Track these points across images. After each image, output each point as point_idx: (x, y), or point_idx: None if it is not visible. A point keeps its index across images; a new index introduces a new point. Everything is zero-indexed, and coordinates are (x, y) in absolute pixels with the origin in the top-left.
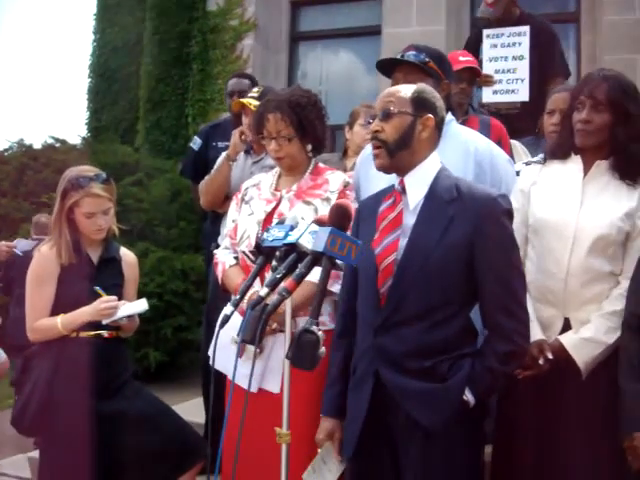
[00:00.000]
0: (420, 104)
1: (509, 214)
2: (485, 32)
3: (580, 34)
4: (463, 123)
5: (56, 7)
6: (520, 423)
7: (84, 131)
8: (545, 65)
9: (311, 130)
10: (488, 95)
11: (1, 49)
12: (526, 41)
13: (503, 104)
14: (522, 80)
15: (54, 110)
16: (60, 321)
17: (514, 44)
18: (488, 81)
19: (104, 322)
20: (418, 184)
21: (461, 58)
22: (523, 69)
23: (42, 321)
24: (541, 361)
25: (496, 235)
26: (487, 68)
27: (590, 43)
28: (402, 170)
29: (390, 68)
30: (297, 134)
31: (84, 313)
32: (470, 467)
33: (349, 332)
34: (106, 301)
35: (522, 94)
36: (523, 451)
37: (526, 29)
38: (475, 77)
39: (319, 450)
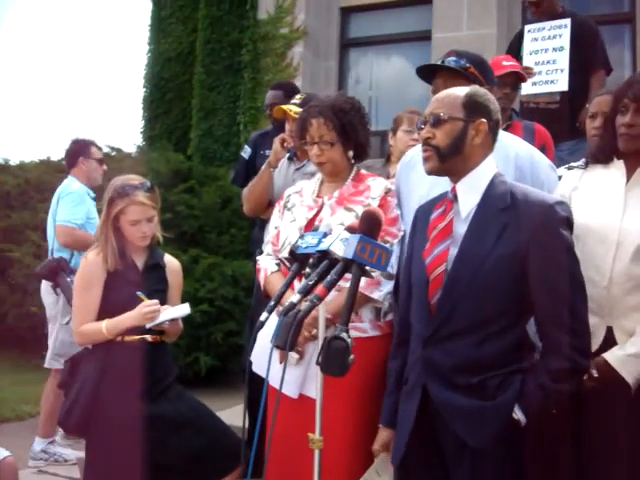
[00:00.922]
0: (472, 108)
1: (567, 223)
2: (527, 27)
3: (635, 35)
4: (507, 129)
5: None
6: (559, 443)
7: (139, 140)
8: (587, 59)
9: (353, 136)
10: (527, 87)
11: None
12: (567, 33)
13: (542, 96)
14: (562, 70)
15: (111, 119)
16: (105, 325)
17: (555, 36)
18: (528, 73)
19: (147, 326)
20: (471, 191)
21: (505, 63)
22: (563, 59)
23: (88, 325)
24: (585, 377)
25: (552, 245)
26: (527, 61)
27: None
28: (454, 175)
29: (431, 74)
30: (339, 139)
31: (128, 318)
32: None
33: (405, 342)
34: (148, 305)
35: (561, 84)
36: (566, 469)
37: (567, 22)
38: (519, 82)
39: (375, 460)
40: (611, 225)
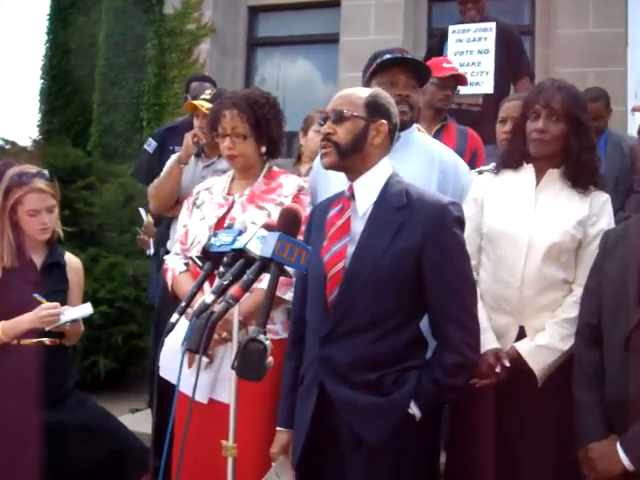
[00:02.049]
0: (374, 109)
1: (460, 222)
2: (451, 28)
3: (534, 47)
4: (441, 129)
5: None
6: (474, 430)
7: (35, 133)
8: (511, 65)
9: (267, 130)
10: None
11: None
12: (492, 36)
13: (466, 97)
14: (487, 73)
15: (5, 111)
16: (1, 327)
17: (480, 39)
18: None
19: (47, 328)
20: (367, 190)
21: (445, 65)
22: (488, 62)
23: None
24: (498, 369)
25: (445, 243)
26: (452, 62)
27: (544, 56)
28: (352, 173)
29: (383, 69)
30: (253, 132)
31: (25, 320)
32: (418, 477)
33: (301, 341)
34: (47, 308)
35: (486, 86)
36: (477, 459)
37: (492, 25)
38: (458, 84)
39: (272, 464)
40: (522, 228)
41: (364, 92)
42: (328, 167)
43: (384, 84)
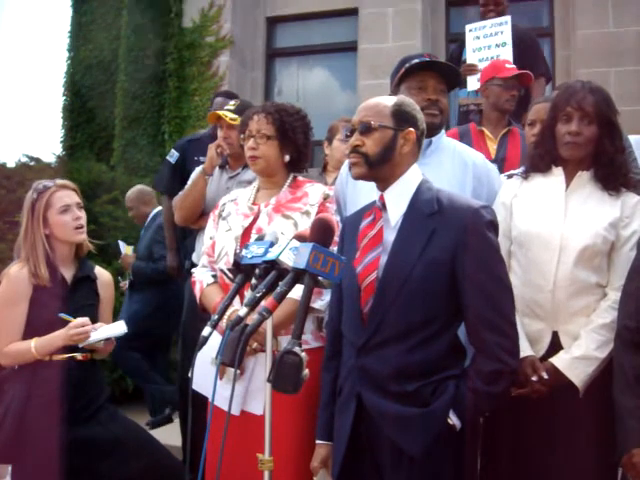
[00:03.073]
0: (401, 117)
1: (493, 225)
2: (468, 27)
3: (554, 49)
4: (507, 134)
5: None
6: (512, 438)
7: (59, 149)
8: (528, 66)
9: (292, 136)
10: (473, 83)
11: None
12: (508, 29)
13: (470, 98)
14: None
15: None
16: (34, 345)
17: (497, 33)
18: (472, 70)
19: (80, 345)
20: (398, 199)
21: (507, 65)
22: (507, 54)
23: (14, 345)
24: (534, 378)
25: (479, 247)
26: (471, 58)
27: (564, 57)
28: (382, 182)
29: (413, 74)
30: (277, 135)
31: (58, 337)
32: None
33: (338, 353)
34: (75, 326)
35: None
36: (514, 467)
37: (507, 19)
38: (522, 85)
39: (314, 478)
40: (553, 231)
41: (389, 101)
42: (358, 178)
43: (413, 89)
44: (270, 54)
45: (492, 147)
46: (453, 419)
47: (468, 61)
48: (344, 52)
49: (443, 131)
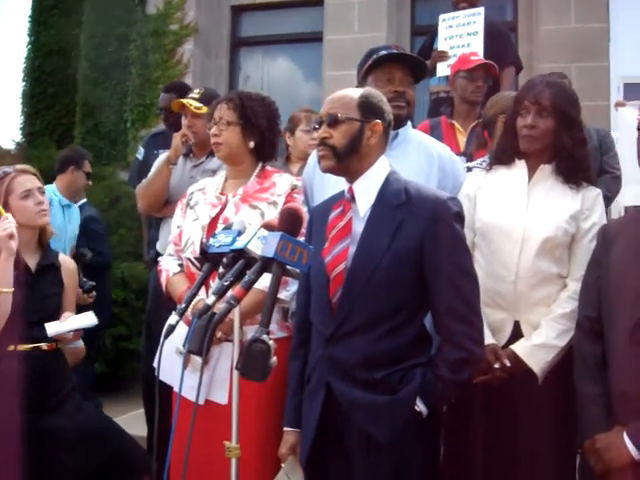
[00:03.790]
0: (368, 109)
1: (459, 217)
2: (441, 17)
3: (517, 43)
4: (476, 126)
5: None
6: (471, 426)
7: (18, 136)
8: (497, 55)
9: (254, 121)
10: (443, 69)
11: None
12: (480, 19)
13: (440, 85)
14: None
15: None
16: None
17: (469, 23)
18: (442, 56)
19: (49, 334)
20: (367, 191)
21: (472, 58)
22: (477, 43)
23: None
24: (497, 365)
25: (446, 239)
26: (442, 46)
27: (527, 52)
28: (350, 174)
29: (379, 65)
30: (238, 121)
31: None
32: (427, 476)
33: (306, 341)
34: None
35: None
36: (473, 454)
37: (481, 10)
38: (488, 75)
39: (282, 465)
40: (516, 223)
41: (356, 93)
42: (326, 171)
43: (380, 80)
44: (235, 43)
45: (462, 140)
46: (420, 406)
47: (440, 48)
48: (309, 42)
49: (409, 123)
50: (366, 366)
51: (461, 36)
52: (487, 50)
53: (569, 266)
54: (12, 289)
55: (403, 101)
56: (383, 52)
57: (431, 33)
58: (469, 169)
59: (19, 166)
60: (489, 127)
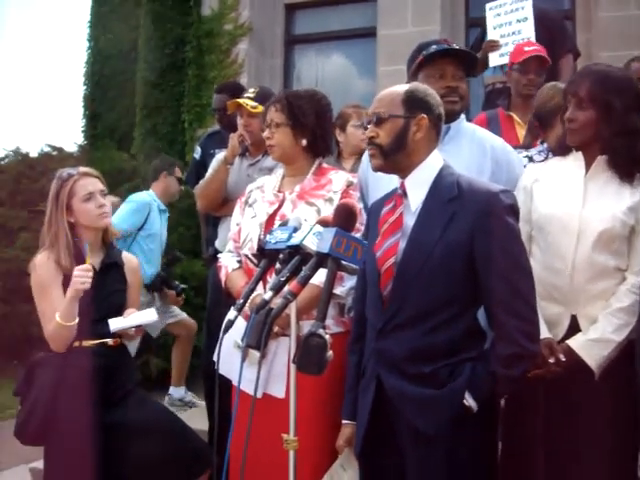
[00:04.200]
0: (412, 104)
1: (512, 209)
2: (487, 6)
3: (575, 32)
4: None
5: (50, 14)
6: (529, 424)
7: (80, 139)
8: (553, 42)
9: (304, 121)
10: (495, 59)
11: None
12: (529, 5)
13: (496, 77)
14: (528, 39)
15: (50, 118)
16: (58, 315)
17: (517, 9)
18: (493, 46)
19: (112, 330)
20: (419, 185)
21: (526, 48)
22: (528, 29)
23: (50, 325)
24: (552, 359)
25: (497, 231)
26: (492, 35)
27: (585, 41)
28: (401, 171)
29: (432, 61)
30: (288, 122)
31: (68, 292)
32: (477, 471)
33: (363, 335)
34: (79, 269)
35: None
36: (532, 450)
37: None
38: (542, 67)
39: (339, 456)
40: (572, 214)
41: (401, 89)
42: (376, 170)
43: (432, 76)
44: (289, 41)
45: (521, 133)
46: (469, 401)
47: (489, 37)
48: (363, 38)
49: (463, 116)
50: (415, 359)
51: (510, 23)
52: (542, 38)
53: (628, 259)
54: (76, 322)
55: (456, 96)
56: (433, 47)
57: (483, 26)
58: (530, 159)
59: (82, 169)
60: (543, 118)
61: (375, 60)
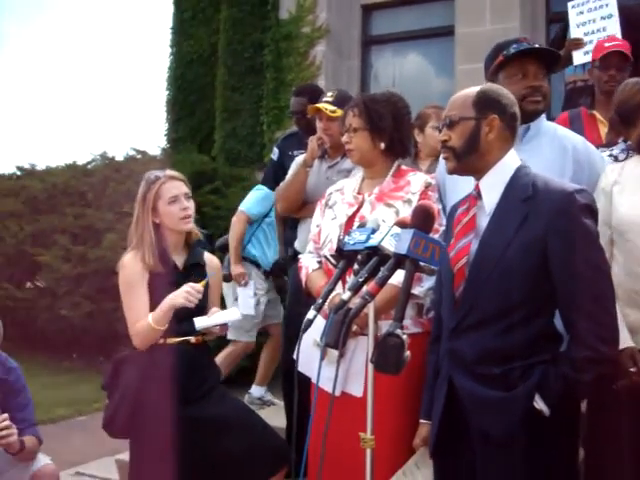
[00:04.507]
0: (483, 105)
1: (589, 209)
2: (570, 4)
3: None
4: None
5: (135, 22)
6: (613, 428)
7: (163, 142)
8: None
9: (381, 125)
10: (579, 57)
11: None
12: (613, 2)
13: (577, 75)
14: (613, 36)
15: (135, 123)
16: (151, 317)
17: (601, 6)
18: (577, 44)
19: (197, 328)
20: (493, 186)
21: (606, 44)
22: (613, 26)
23: (138, 324)
24: (633, 369)
25: (572, 232)
26: (576, 33)
27: None
28: (475, 173)
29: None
30: (366, 126)
31: (167, 299)
32: (554, 476)
33: (441, 337)
34: (194, 287)
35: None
36: (619, 457)
37: None
38: (625, 63)
39: (414, 455)
40: None
41: (473, 91)
42: (451, 172)
43: (513, 76)
44: (366, 42)
45: (604, 131)
46: (540, 404)
47: (573, 35)
48: (440, 37)
49: (543, 116)
50: (486, 360)
51: (594, 21)
52: (628, 35)
53: None
54: (164, 327)
55: (539, 95)
56: (514, 47)
57: (563, 22)
58: (615, 158)
59: (169, 172)
60: (625, 115)
61: (453, 59)
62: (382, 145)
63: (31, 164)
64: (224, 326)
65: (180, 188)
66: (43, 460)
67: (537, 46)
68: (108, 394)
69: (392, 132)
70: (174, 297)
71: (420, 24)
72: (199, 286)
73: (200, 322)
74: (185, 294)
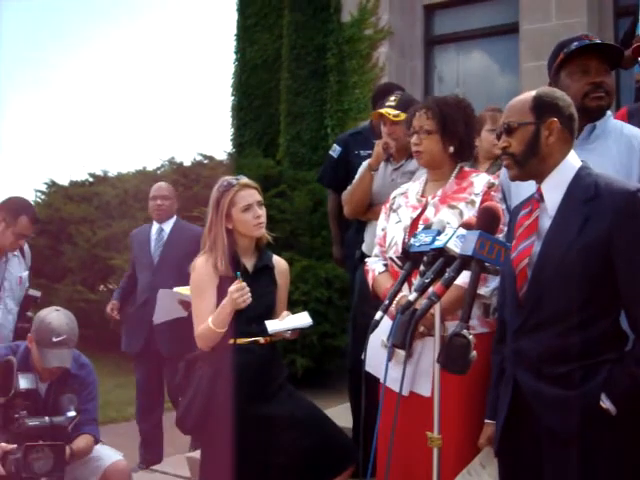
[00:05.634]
0: (541, 109)
1: None
2: None
3: None
4: None
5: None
6: None
7: (229, 147)
8: None
9: (454, 129)
10: None
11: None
12: None
13: None
14: None
15: (202, 128)
16: (210, 320)
17: None
18: None
19: (270, 332)
20: (555, 188)
21: None
22: None
23: (200, 326)
24: None
25: (635, 231)
26: None
27: None
28: (537, 177)
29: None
30: (438, 129)
31: (225, 305)
32: (620, 475)
33: (505, 337)
34: (236, 290)
35: None
36: None
37: None
38: None
39: (479, 454)
40: None
41: (529, 96)
42: (513, 179)
43: (575, 73)
44: (428, 42)
45: None
46: (606, 403)
47: None
48: (505, 34)
49: (609, 113)
50: (551, 360)
51: None
52: None
53: None
54: (224, 330)
55: (602, 91)
56: (574, 44)
57: (634, 17)
58: None
59: (243, 180)
60: None
61: (518, 56)
62: (451, 149)
63: (103, 170)
64: (295, 331)
65: (253, 196)
66: (115, 457)
67: (597, 42)
68: (181, 393)
69: (462, 136)
70: (226, 303)
71: (483, 22)
72: (239, 284)
73: (272, 326)
74: (235, 298)
